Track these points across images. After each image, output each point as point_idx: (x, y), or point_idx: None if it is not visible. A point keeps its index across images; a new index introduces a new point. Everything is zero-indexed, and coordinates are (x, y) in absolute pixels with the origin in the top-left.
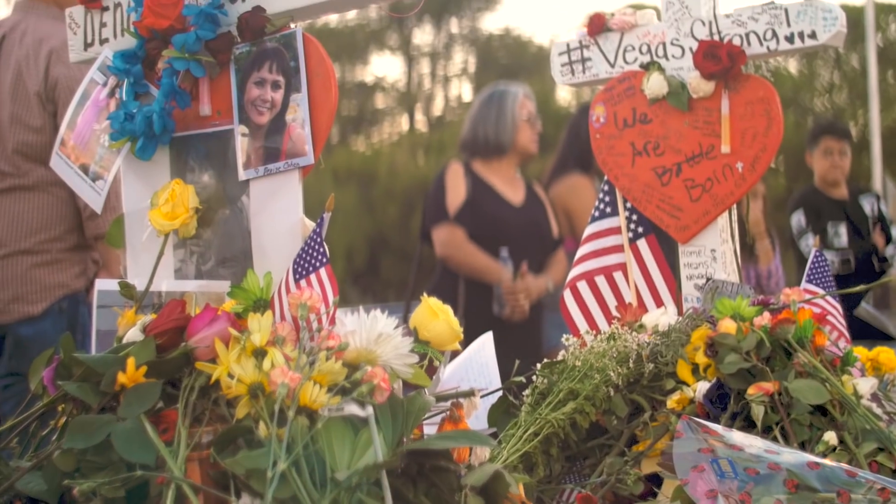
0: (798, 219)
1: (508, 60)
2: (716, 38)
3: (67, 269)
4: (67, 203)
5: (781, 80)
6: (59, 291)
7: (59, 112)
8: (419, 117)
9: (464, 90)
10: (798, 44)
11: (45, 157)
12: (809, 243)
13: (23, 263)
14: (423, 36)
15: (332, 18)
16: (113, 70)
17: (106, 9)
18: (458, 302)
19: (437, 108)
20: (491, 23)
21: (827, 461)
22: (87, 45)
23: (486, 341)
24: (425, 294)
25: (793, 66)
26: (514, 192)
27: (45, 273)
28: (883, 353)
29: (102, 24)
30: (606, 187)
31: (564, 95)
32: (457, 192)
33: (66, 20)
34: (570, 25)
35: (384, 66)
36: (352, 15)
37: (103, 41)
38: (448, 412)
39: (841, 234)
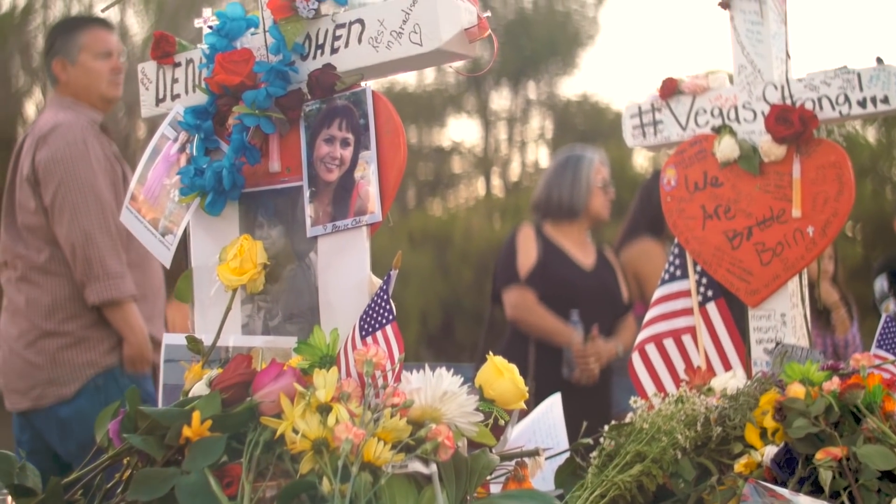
0: (881, 284)
1: (585, 126)
2: (788, 102)
3: (96, 347)
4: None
5: (859, 148)
6: (90, 370)
7: (42, 191)
8: (495, 182)
9: (540, 155)
10: (870, 108)
11: (48, 237)
12: (893, 309)
13: (50, 346)
14: (501, 100)
15: (410, 82)
16: (184, 125)
17: (178, 65)
18: (528, 364)
19: (514, 172)
20: (568, 88)
21: None
22: (158, 101)
23: (554, 403)
24: (490, 353)
25: (871, 134)
26: (584, 256)
27: (74, 354)
28: None
29: (174, 80)
30: (677, 250)
31: (641, 162)
32: (528, 254)
33: (139, 75)
34: (648, 92)
35: (461, 131)
36: (430, 79)
37: (175, 97)
38: (513, 471)
39: None
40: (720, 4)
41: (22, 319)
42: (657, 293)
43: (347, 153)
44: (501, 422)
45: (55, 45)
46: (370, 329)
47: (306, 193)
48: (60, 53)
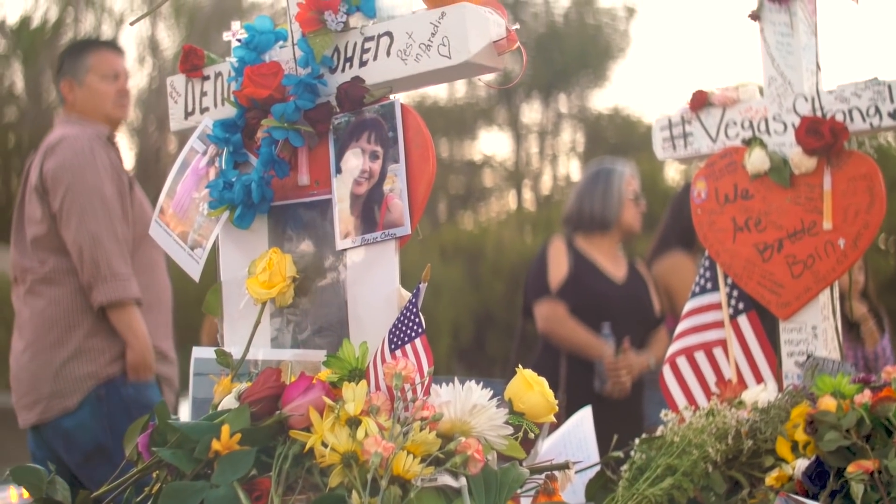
0: None
1: (616, 139)
2: (818, 114)
3: (97, 358)
4: (81, 291)
5: (891, 160)
6: (90, 382)
7: (50, 199)
8: (527, 195)
9: (572, 168)
10: None
11: (52, 246)
12: None
13: (51, 358)
14: (531, 114)
15: (442, 96)
16: (212, 139)
17: (207, 78)
18: (559, 377)
19: (545, 185)
20: (599, 101)
21: None
22: (187, 114)
23: (584, 416)
24: (520, 366)
25: None
26: (616, 269)
27: (75, 366)
28: None
29: (203, 94)
30: (707, 263)
31: (672, 175)
32: (559, 267)
33: (168, 89)
34: (678, 105)
35: (492, 144)
36: (461, 93)
37: (203, 110)
38: (543, 485)
39: None
40: (750, 16)
41: (27, 332)
42: (688, 306)
43: (376, 166)
44: (531, 435)
45: (64, 66)
46: (399, 342)
47: (335, 206)
48: (69, 74)
